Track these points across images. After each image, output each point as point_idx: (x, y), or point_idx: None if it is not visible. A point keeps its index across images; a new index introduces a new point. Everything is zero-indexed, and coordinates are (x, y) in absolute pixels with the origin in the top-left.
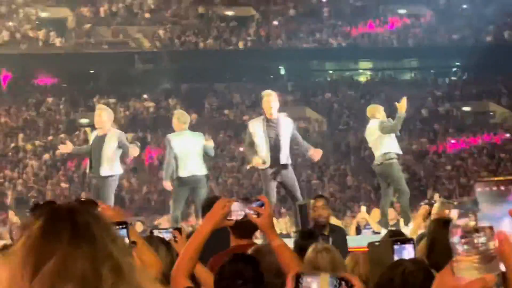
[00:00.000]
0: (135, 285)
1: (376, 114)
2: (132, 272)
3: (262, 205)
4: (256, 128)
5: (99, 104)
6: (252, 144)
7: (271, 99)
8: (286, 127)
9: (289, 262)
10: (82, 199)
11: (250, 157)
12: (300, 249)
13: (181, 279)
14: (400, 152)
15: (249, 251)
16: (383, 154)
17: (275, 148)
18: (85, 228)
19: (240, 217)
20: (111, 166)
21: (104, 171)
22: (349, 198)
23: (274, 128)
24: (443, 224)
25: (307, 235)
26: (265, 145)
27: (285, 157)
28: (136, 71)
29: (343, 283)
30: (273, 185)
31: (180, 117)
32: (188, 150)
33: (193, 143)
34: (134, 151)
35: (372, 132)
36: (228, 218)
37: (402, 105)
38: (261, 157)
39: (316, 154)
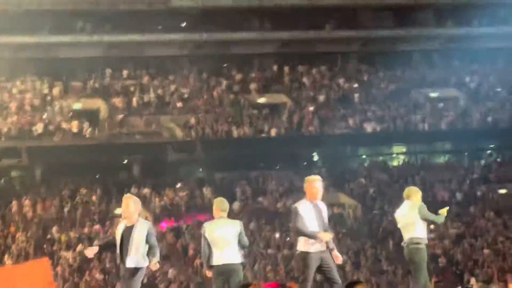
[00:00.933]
0: None
1: (413, 196)
2: None
3: None
4: (304, 210)
5: (126, 194)
6: (303, 224)
7: (315, 185)
8: (326, 211)
9: None
10: None
11: (309, 234)
12: None
13: None
14: (426, 241)
15: None
16: (410, 238)
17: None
18: None
19: None
20: (138, 258)
21: (130, 262)
22: (385, 283)
23: (319, 212)
24: None
25: None
26: (317, 227)
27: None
28: (169, 160)
29: None
30: (314, 269)
31: (219, 205)
32: (223, 238)
33: (230, 231)
34: (153, 266)
35: (407, 213)
36: None
37: (444, 212)
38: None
39: (339, 258)
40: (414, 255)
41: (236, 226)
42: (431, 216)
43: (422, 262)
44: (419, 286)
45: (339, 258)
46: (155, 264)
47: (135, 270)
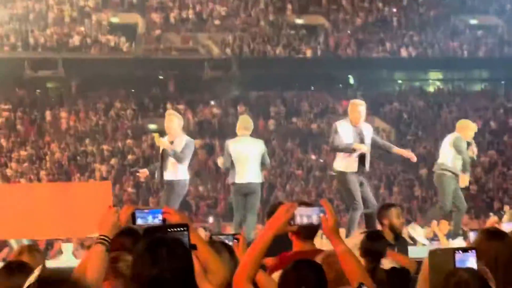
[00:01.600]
0: None
1: (462, 129)
2: None
3: (324, 210)
4: (344, 129)
5: (169, 110)
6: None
7: (359, 109)
8: (370, 134)
9: (353, 269)
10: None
11: (346, 146)
12: (366, 252)
13: (243, 284)
14: (458, 173)
15: (318, 258)
16: (437, 163)
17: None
18: None
19: (303, 222)
20: (175, 171)
21: (168, 175)
22: (417, 209)
23: (359, 135)
24: (490, 234)
25: (375, 237)
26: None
27: (366, 162)
28: (205, 77)
29: None
30: (357, 187)
31: (243, 123)
32: (246, 157)
33: (252, 150)
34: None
35: (445, 142)
36: (292, 223)
37: (465, 180)
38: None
39: (406, 153)
40: (440, 181)
41: (259, 146)
42: (462, 151)
43: (447, 189)
44: (437, 209)
45: (411, 156)
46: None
47: (173, 183)
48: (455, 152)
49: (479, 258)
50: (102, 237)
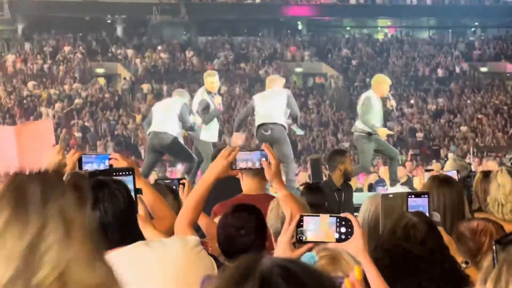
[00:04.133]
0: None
1: (377, 85)
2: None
3: (265, 155)
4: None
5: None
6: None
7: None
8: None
9: (295, 212)
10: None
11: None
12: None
13: (184, 229)
14: (372, 131)
15: (273, 202)
16: (355, 126)
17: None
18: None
19: (245, 167)
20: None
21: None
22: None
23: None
24: (439, 181)
25: (314, 189)
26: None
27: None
28: (153, 22)
29: (343, 222)
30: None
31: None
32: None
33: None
34: None
35: (358, 105)
36: (233, 168)
37: (383, 132)
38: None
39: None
40: (356, 142)
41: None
42: (368, 113)
43: (365, 149)
44: (358, 168)
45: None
46: None
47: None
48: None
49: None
50: None
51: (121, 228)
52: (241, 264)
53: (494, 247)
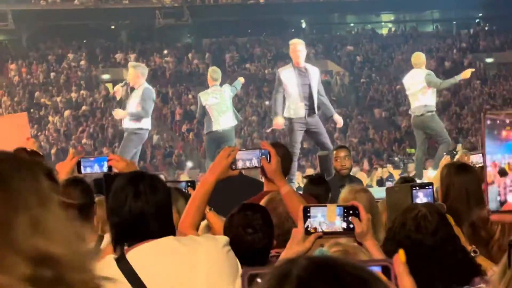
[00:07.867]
0: (58, 240)
1: (421, 63)
2: (56, 228)
3: (267, 153)
4: (288, 76)
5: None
6: (281, 94)
7: (298, 48)
8: (315, 76)
9: (298, 207)
10: (28, 150)
11: (275, 112)
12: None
13: (187, 231)
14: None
15: (262, 202)
16: (424, 106)
17: (307, 97)
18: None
19: (245, 166)
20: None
21: (125, 123)
22: (371, 151)
23: (304, 76)
24: (456, 169)
25: (316, 181)
26: (297, 94)
27: (315, 106)
28: (157, 26)
29: (350, 211)
30: (301, 135)
31: (211, 74)
32: (218, 105)
33: (223, 98)
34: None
35: (416, 81)
36: (233, 168)
37: (467, 74)
38: (292, 108)
39: (340, 121)
40: (431, 122)
41: (227, 91)
42: (437, 82)
43: (442, 125)
44: (447, 146)
45: (340, 120)
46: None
47: (131, 132)
48: (432, 89)
49: (448, 192)
50: None
51: (161, 218)
52: (277, 268)
53: (508, 248)
